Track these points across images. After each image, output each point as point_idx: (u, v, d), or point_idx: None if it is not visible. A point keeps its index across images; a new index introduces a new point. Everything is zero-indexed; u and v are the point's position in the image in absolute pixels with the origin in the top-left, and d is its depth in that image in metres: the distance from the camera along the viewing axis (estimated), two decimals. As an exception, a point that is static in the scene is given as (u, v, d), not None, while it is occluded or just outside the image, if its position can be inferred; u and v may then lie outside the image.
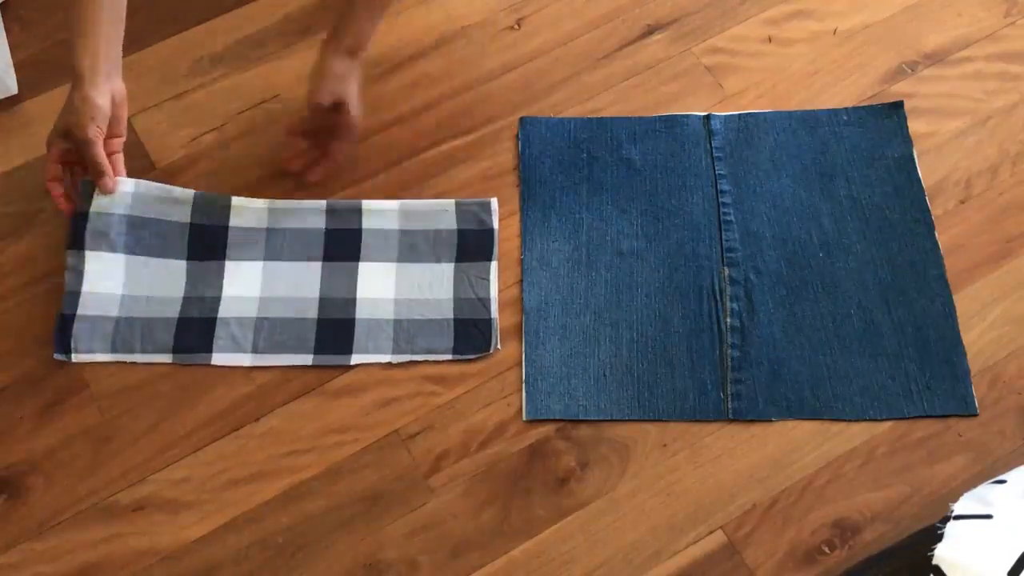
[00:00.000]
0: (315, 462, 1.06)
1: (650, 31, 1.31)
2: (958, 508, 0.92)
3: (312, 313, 1.12)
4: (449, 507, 1.03)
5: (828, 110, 1.24)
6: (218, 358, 1.10)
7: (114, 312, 1.10)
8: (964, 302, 1.12)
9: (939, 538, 0.89)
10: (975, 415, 1.07)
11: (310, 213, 1.17)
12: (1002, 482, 0.94)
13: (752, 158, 1.21)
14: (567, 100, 1.26)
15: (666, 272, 1.15)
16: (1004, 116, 1.24)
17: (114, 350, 1.09)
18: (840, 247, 1.15)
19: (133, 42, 1.29)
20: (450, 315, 1.12)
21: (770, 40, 1.30)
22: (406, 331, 1.11)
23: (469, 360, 1.10)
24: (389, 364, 1.10)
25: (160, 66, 1.29)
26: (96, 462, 1.06)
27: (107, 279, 1.11)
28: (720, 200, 1.19)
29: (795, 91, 1.26)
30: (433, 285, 1.14)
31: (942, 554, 0.88)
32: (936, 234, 1.16)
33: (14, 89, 1.25)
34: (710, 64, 1.28)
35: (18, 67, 1.26)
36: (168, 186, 1.15)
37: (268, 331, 1.11)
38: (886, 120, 1.23)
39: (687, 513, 1.03)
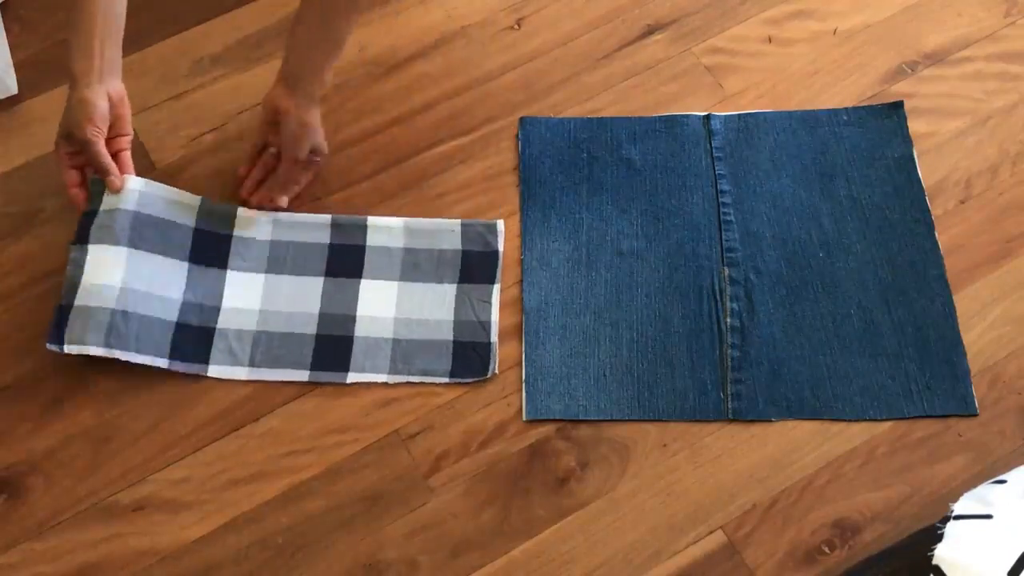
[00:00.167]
0: (315, 462, 1.06)
1: (650, 31, 1.31)
2: (958, 508, 0.92)
3: (311, 329, 1.12)
4: (449, 507, 1.03)
5: (828, 110, 1.24)
6: (214, 370, 1.09)
7: (111, 304, 1.09)
8: (964, 302, 1.12)
9: (939, 538, 0.89)
10: (975, 415, 1.07)
11: (314, 227, 1.16)
12: (1002, 482, 0.94)
13: (752, 158, 1.21)
14: (567, 100, 1.26)
15: (666, 272, 1.15)
16: (1004, 116, 1.24)
17: (108, 344, 1.07)
18: (840, 247, 1.16)
19: (133, 42, 1.29)
20: (449, 337, 1.12)
21: (770, 40, 1.30)
22: (404, 351, 1.11)
23: (466, 384, 1.10)
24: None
25: (160, 66, 1.29)
26: (96, 462, 1.06)
27: (107, 271, 1.10)
28: (720, 200, 1.19)
29: (795, 91, 1.26)
30: (434, 305, 1.13)
31: (942, 554, 0.88)
32: (936, 234, 1.16)
33: (14, 89, 1.25)
34: (710, 64, 1.28)
35: (18, 67, 1.26)
36: (176, 189, 1.16)
37: (266, 345, 1.11)
38: (886, 120, 1.23)
39: (687, 513, 1.03)
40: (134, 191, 1.13)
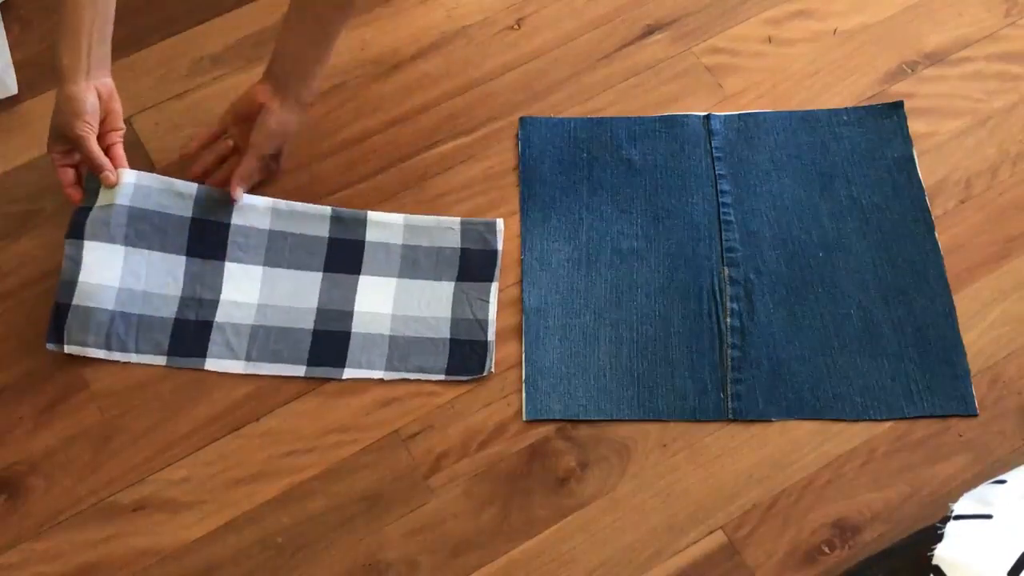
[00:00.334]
0: (315, 462, 1.06)
1: (650, 31, 1.31)
2: (958, 508, 0.92)
3: (308, 324, 1.12)
4: (449, 507, 1.03)
5: (828, 110, 1.24)
6: (211, 364, 1.09)
7: (110, 305, 1.09)
8: (964, 302, 1.12)
9: (939, 538, 0.89)
10: (975, 415, 1.07)
11: (314, 219, 1.16)
12: (1002, 482, 0.94)
13: (752, 158, 1.21)
14: (567, 100, 1.26)
15: (666, 272, 1.15)
16: (1004, 116, 1.24)
17: (108, 347, 1.09)
18: (840, 247, 1.16)
19: (133, 42, 1.30)
20: (447, 335, 1.12)
21: (770, 40, 1.30)
22: (401, 348, 1.11)
23: (462, 382, 1.10)
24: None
25: (160, 66, 1.29)
26: (96, 462, 1.06)
27: (104, 270, 1.10)
28: (720, 200, 1.19)
29: (795, 91, 1.26)
30: (432, 303, 1.13)
31: (942, 554, 0.88)
32: (936, 234, 1.16)
33: (14, 89, 1.25)
34: (710, 64, 1.28)
35: (18, 67, 1.26)
36: (170, 179, 1.15)
37: (263, 339, 1.11)
38: (886, 120, 1.23)
39: (687, 513, 1.03)
40: (128, 184, 1.12)
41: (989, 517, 0.90)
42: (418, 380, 1.09)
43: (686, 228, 1.17)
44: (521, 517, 1.03)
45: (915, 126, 1.23)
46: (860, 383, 1.08)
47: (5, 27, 1.24)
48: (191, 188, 1.15)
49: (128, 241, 1.11)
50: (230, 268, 1.14)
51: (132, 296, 1.10)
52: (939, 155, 1.21)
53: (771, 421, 1.07)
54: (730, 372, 1.09)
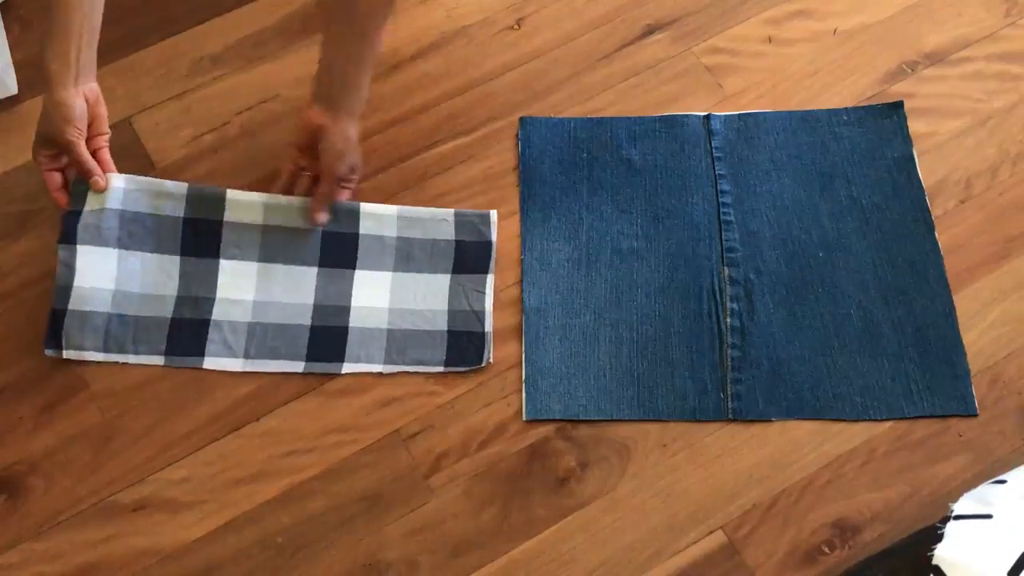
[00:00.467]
0: (315, 462, 1.06)
1: (650, 31, 1.31)
2: (958, 508, 0.92)
3: (305, 320, 1.12)
4: (449, 507, 1.04)
5: (828, 110, 1.24)
6: (209, 362, 1.09)
7: (105, 308, 1.09)
8: (964, 302, 1.12)
9: (939, 538, 0.89)
10: (975, 415, 1.07)
11: (306, 212, 1.16)
12: (1002, 482, 0.94)
13: (752, 158, 1.21)
14: (567, 100, 1.26)
15: (666, 272, 1.15)
16: (1004, 116, 1.24)
17: (106, 349, 1.09)
18: (840, 247, 1.16)
19: (133, 42, 1.30)
20: (444, 327, 1.12)
21: (770, 40, 1.30)
22: (399, 341, 1.11)
23: (461, 372, 1.10)
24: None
25: (160, 66, 1.29)
26: (96, 462, 1.06)
27: (98, 274, 1.10)
28: (720, 200, 1.19)
29: (795, 91, 1.26)
30: (428, 296, 1.13)
31: (942, 554, 0.88)
32: (936, 234, 1.16)
33: (14, 89, 1.25)
34: (710, 64, 1.28)
35: (18, 67, 1.26)
36: (160, 180, 1.15)
37: (260, 337, 1.11)
38: (886, 120, 1.23)
39: (687, 513, 1.03)
40: (118, 189, 1.12)
41: (989, 517, 0.90)
42: (417, 373, 1.09)
43: (686, 228, 1.17)
44: (521, 517, 1.03)
45: (915, 126, 1.23)
46: (860, 383, 1.08)
47: (5, 27, 1.24)
48: (182, 188, 1.15)
49: (121, 244, 1.12)
50: (225, 266, 1.13)
51: (128, 298, 1.11)
52: (939, 155, 1.21)
53: (771, 421, 1.07)
54: (730, 372, 1.09)
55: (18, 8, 1.32)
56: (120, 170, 1.19)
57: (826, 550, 1.01)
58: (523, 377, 1.09)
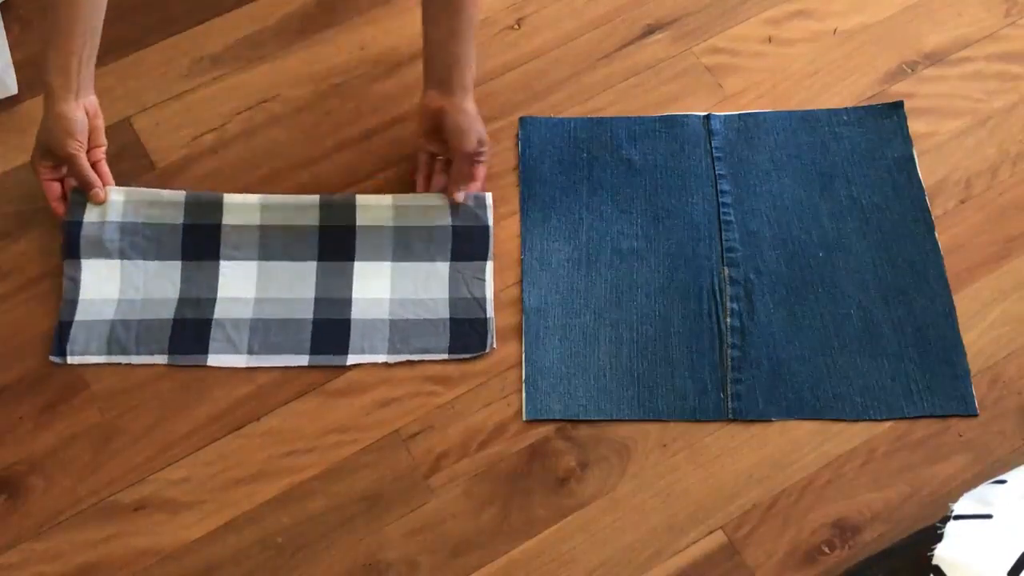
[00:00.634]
0: (315, 462, 1.06)
1: (650, 31, 1.31)
2: (958, 508, 0.92)
3: (307, 314, 1.12)
4: (449, 507, 1.03)
5: (828, 110, 1.24)
6: (213, 359, 1.10)
7: (110, 315, 1.11)
8: (964, 302, 1.12)
9: (939, 538, 0.89)
10: (975, 415, 1.07)
11: (303, 209, 1.16)
12: (1002, 482, 0.94)
13: (752, 158, 1.21)
14: (567, 100, 1.26)
15: (666, 272, 1.15)
16: (1004, 116, 1.24)
17: (109, 352, 1.10)
18: (840, 247, 1.16)
19: (133, 42, 1.30)
20: (446, 315, 1.12)
21: (770, 40, 1.30)
22: (402, 331, 1.11)
23: (466, 360, 1.10)
24: (389, 364, 1.10)
25: (160, 66, 1.29)
26: (96, 462, 1.06)
27: (103, 285, 1.12)
28: (720, 200, 1.19)
29: (795, 91, 1.26)
30: (429, 285, 1.14)
31: (942, 554, 0.88)
32: (936, 234, 1.16)
33: (14, 89, 1.25)
34: (710, 64, 1.28)
35: (18, 67, 1.26)
36: (157, 190, 1.16)
37: (263, 332, 1.11)
38: (886, 120, 1.23)
39: (687, 513, 1.03)
40: (118, 201, 1.14)
41: (989, 517, 0.90)
42: (417, 373, 1.09)
43: (686, 228, 1.17)
44: (521, 517, 1.03)
45: (915, 126, 1.23)
46: (860, 383, 1.08)
47: (5, 27, 1.24)
48: (179, 196, 1.16)
49: (123, 255, 1.13)
50: (225, 266, 1.14)
51: (131, 304, 1.12)
52: (939, 155, 1.21)
53: (771, 421, 1.07)
54: (730, 372, 1.09)
55: (18, 8, 1.32)
56: (120, 170, 1.20)
57: (826, 550, 1.01)
58: (523, 377, 1.09)
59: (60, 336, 1.09)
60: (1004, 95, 1.25)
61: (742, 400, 1.08)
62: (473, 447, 1.06)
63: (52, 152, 1.11)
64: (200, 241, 1.15)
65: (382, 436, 1.07)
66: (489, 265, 1.14)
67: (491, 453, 1.06)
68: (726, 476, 1.05)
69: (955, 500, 0.93)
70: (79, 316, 1.10)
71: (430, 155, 1.18)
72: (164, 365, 1.10)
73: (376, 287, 1.14)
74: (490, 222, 1.16)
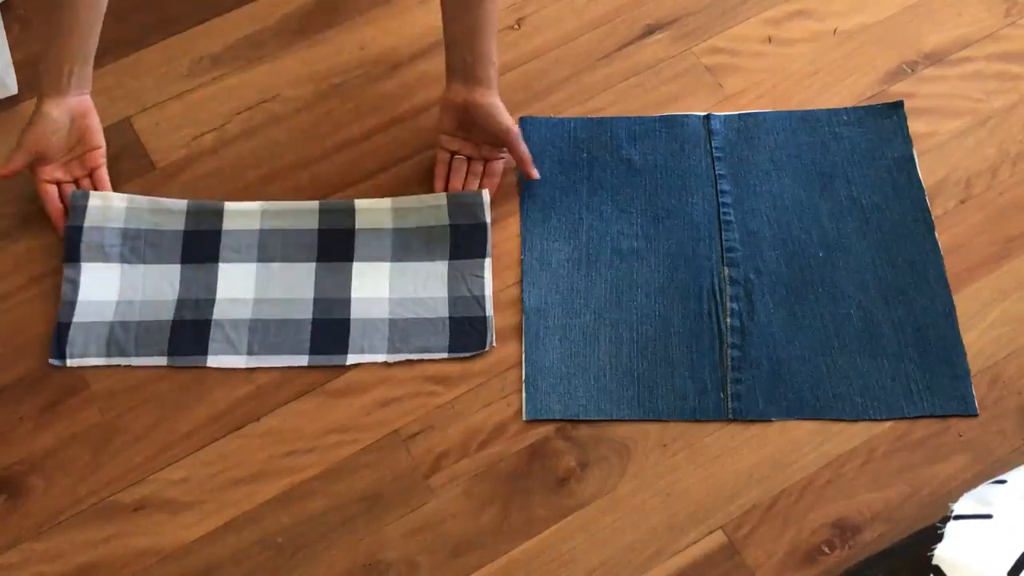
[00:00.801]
0: (315, 462, 1.06)
1: (650, 31, 1.31)
2: (958, 508, 0.92)
3: (307, 314, 1.12)
4: (449, 507, 1.03)
5: (828, 110, 1.24)
6: (213, 360, 1.10)
7: (109, 317, 1.11)
8: (964, 302, 1.12)
9: (939, 538, 0.89)
10: (975, 415, 1.07)
11: (303, 214, 1.17)
12: (1002, 482, 0.94)
13: (752, 158, 1.21)
14: (567, 100, 1.26)
15: (666, 272, 1.15)
16: (1004, 116, 1.24)
17: (109, 354, 1.10)
18: (840, 247, 1.16)
19: (133, 42, 1.30)
20: (445, 313, 1.12)
21: (770, 40, 1.30)
22: (401, 330, 1.11)
23: (466, 358, 1.10)
24: (389, 364, 1.10)
25: (160, 66, 1.29)
26: (96, 462, 1.06)
27: (102, 288, 1.12)
28: (720, 200, 1.19)
29: (795, 91, 1.26)
30: (427, 283, 1.14)
31: (942, 554, 0.88)
32: (936, 234, 1.16)
33: (14, 89, 1.25)
34: (710, 64, 1.28)
35: (18, 67, 1.26)
36: (159, 198, 1.16)
37: (262, 333, 1.11)
38: (886, 120, 1.23)
39: (687, 513, 1.03)
40: (120, 208, 1.15)
41: (989, 517, 0.90)
42: (417, 372, 1.09)
43: (686, 228, 1.17)
44: (521, 517, 1.03)
45: (915, 126, 1.23)
46: (860, 383, 1.08)
47: (5, 27, 1.24)
48: (181, 204, 1.16)
49: (124, 259, 1.14)
50: (224, 268, 1.14)
51: (130, 306, 1.12)
52: (939, 155, 1.21)
53: (771, 421, 1.07)
54: (730, 372, 1.09)
55: (18, 8, 1.32)
56: (120, 170, 1.20)
57: (826, 550, 1.01)
58: (523, 377, 1.09)
59: (59, 338, 1.09)
60: (1004, 95, 1.25)
61: (742, 400, 1.08)
62: (473, 447, 1.06)
63: (23, 147, 1.12)
64: (200, 246, 1.15)
65: (382, 436, 1.07)
66: (487, 263, 1.15)
67: (491, 453, 1.06)
68: (726, 476, 1.05)
69: (955, 500, 0.93)
70: (77, 318, 1.10)
71: (449, 153, 1.18)
72: (164, 366, 1.10)
73: (375, 287, 1.14)
74: (488, 219, 1.16)
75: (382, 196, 1.19)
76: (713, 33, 1.30)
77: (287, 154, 1.22)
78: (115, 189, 1.17)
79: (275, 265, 1.15)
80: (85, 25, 1.08)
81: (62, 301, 1.11)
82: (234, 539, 1.02)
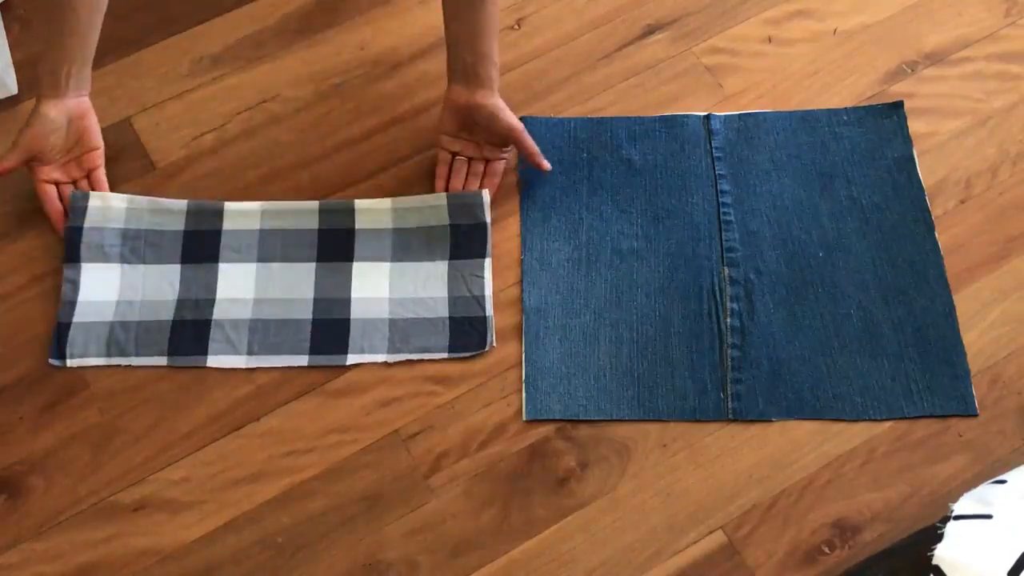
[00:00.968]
0: (315, 462, 1.06)
1: (650, 31, 1.31)
2: (958, 508, 0.92)
3: (307, 314, 1.12)
4: (449, 507, 1.03)
5: (828, 110, 1.24)
6: (213, 360, 1.10)
7: (109, 318, 1.11)
8: (964, 302, 1.12)
9: (939, 538, 0.89)
10: (975, 415, 1.07)
11: (303, 214, 1.17)
12: (1002, 482, 0.94)
13: (752, 158, 1.21)
14: (567, 100, 1.26)
15: (666, 272, 1.15)
16: (1004, 116, 1.24)
17: (108, 354, 1.10)
18: (840, 247, 1.16)
19: (133, 42, 1.30)
20: (445, 313, 1.12)
21: (770, 40, 1.30)
22: (401, 330, 1.11)
23: (466, 358, 1.10)
24: (389, 364, 1.10)
25: (160, 66, 1.29)
26: (96, 462, 1.06)
27: (102, 288, 1.12)
28: (720, 200, 1.19)
29: (795, 91, 1.26)
30: (428, 283, 1.14)
31: (942, 554, 0.88)
32: (936, 234, 1.16)
33: (14, 89, 1.25)
34: (710, 64, 1.28)
35: (18, 67, 1.26)
36: (159, 198, 1.16)
37: (263, 333, 1.11)
38: (886, 120, 1.23)
39: (687, 513, 1.03)
40: (120, 209, 1.15)
41: (989, 517, 0.90)
42: (417, 371, 1.09)
43: (686, 228, 1.17)
44: (521, 517, 1.03)
45: (915, 126, 1.23)
46: (860, 383, 1.08)
47: (5, 27, 1.24)
48: (181, 204, 1.16)
49: (124, 259, 1.14)
50: (224, 268, 1.14)
51: (130, 306, 1.12)
52: (939, 155, 1.21)
53: (771, 421, 1.07)
54: (730, 372, 1.09)
55: (18, 8, 1.32)
56: (120, 170, 1.20)
57: (826, 550, 1.01)
58: (523, 377, 1.09)
59: (59, 338, 1.10)
60: (1004, 95, 1.25)
61: (742, 400, 1.08)
62: (473, 447, 1.06)
63: (18, 147, 1.12)
64: (200, 246, 1.15)
65: (382, 436, 1.07)
66: (487, 263, 1.15)
67: (491, 453, 1.06)
68: (726, 476, 1.05)
69: (955, 500, 0.93)
70: (77, 318, 1.10)
71: (450, 154, 1.18)
72: (164, 366, 1.10)
73: (375, 287, 1.14)
74: (487, 219, 1.16)
75: (382, 196, 1.19)
76: (713, 33, 1.30)
77: (287, 154, 1.22)
78: (115, 189, 1.18)
79: (275, 265, 1.15)
80: (84, 27, 1.08)
81: (62, 301, 1.11)
82: (234, 539, 1.02)
